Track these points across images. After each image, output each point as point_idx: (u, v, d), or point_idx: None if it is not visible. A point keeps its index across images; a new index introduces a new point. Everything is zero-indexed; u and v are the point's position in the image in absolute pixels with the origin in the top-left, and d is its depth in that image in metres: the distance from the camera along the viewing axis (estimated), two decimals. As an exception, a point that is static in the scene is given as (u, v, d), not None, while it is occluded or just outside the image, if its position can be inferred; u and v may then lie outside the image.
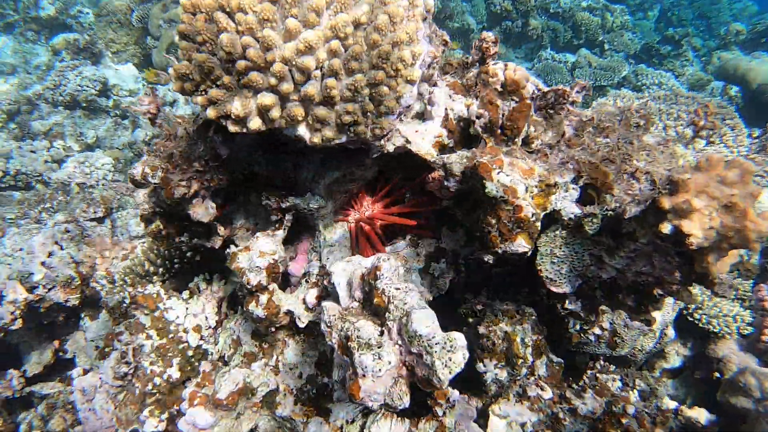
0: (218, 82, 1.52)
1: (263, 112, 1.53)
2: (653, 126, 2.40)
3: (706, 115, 2.10)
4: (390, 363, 1.47)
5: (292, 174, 2.06)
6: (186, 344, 2.51)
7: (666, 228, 1.85)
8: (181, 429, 2.12)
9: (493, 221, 1.86)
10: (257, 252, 2.00)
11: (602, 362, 3.07)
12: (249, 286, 1.96)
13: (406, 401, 1.51)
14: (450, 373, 1.43)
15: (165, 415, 2.32)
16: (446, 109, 2.00)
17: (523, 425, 2.38)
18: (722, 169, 1.82)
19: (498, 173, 1.87)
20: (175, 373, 2.41)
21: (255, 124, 1.54)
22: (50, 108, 7.06)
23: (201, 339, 2.54)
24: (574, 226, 2.09)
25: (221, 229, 2.20)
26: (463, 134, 2.04)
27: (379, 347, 1.49)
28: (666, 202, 1.84)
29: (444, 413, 2.03)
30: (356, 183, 2.22)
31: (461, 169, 1.94)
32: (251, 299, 2.04)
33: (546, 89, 2.03)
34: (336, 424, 2.18)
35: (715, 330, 3.24)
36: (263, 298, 2.03)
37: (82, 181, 5.23)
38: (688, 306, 3.32)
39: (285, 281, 2.37)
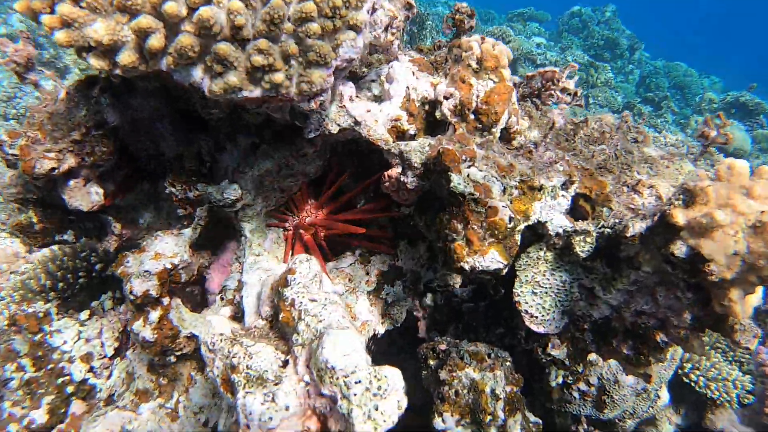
0: (81, 1, 1.09)
1: (140, 41, 1.10)
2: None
3: (719, 127, 1.72)
4: (288, 409, 0.98)
5: (209, 157, 1.62)
6: (67, 378, 1.97)
7: (679, 249, 1.42)
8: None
9: (460, 227, 1.42)
10: (152, 253, 1.52)
11: (586, 426, 2.58)
12: (132, 297, 1.46)
13: (311, 469, 1.01)
14: (375, 429, 0.94)
15: (19, 473, 1.76)
16: (408, 87, 1.59)
17: (489, 502, 1.85)
18: (747, 179, 1.42)
19: (468, 166, 1.45)
20: (41, 416, 1.85)
21: (127, 58, 1.10)
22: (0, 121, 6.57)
23: (90, 371, 2.00)
24: (562, 247, 1.66)
25: (117, 227, 1.72)
26: (428, 120, 1.63)
27: (276, 384, 1.01)
28: (680, 216, 1.42)
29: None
30: (295, 179, 1.77)
31: (423, 160, 1.51)
32: (138, 316, 1.54)
33: (531, 73, 1.64)
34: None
35: (713, 396, 2.76)
36: (154, 315, 1.53)
37: None
38: (683, 365, 2.85)
39: (204, 300, 1.88)
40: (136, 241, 1.84)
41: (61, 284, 2.36)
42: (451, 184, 1.40)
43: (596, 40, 11.70)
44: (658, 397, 2.62)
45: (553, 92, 1.61)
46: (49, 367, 1.99)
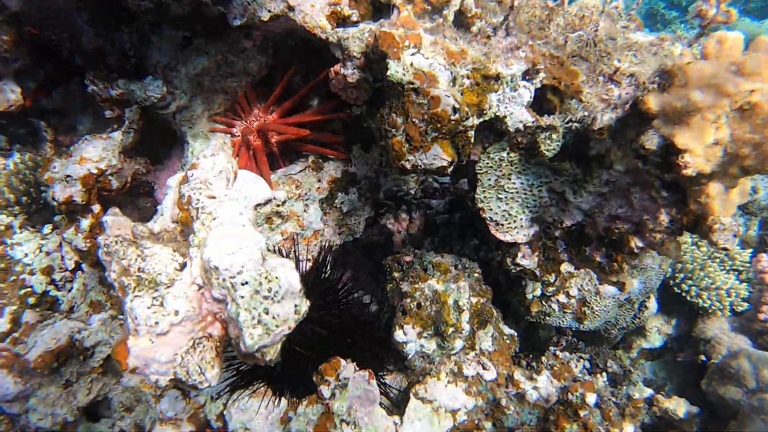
0: None
1: None
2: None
3: (719, 2, 1.49)
4: (178, 313, 0.90)
5: (133, 52, 1.46)
6: (29, 290, 1.95)
7: (650, 140, 1.26)
8: (-23, 397, 1.57)
9: (399, 121, 1.27)
10: (77, 158, 1.41)
11: (569, 338, 2.53)
12: (53, 203, 1.38)
13: (210, 377, 0.95)
14: (266, 334, 0.86)
15: (-20, 379, 1.77)
16: (349, -35, 1.38)
17: (453, 413, 1.82)
18: (739, 54, 1.22)
19: (412, 54, 1.27)
20: (3, 325, 1.85)
21: None
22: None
23: (51, 284, 1.98)
24: (527, 146, 1.50)
25: (49, 132, 1.61)
26: (374, 4, 1.43)
27: (168, 287, 0.92)
28: (653, 102, 1.25)
29: (332, 395, 1.48)
30: (238, 79, 1.62)
31: (362, 48, 1.34)
32: (69, 224, 1.47)
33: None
34: (197, 400, 1.63)
35: (705, 305, 2.66)
36: (85, 223, 1.46)
37: None
38: (675, 276, 2.74)
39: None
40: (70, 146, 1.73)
41: (24, 198, 2.31)
42: (389, 72, 1.24)
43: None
44: (646, 308, 2.54)
45: None
46: (11, 278, 1.97)
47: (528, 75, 1.42)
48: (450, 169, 1.31)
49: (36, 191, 2.33)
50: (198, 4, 1.39)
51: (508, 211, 1.67)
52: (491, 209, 1.66)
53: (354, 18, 1.41)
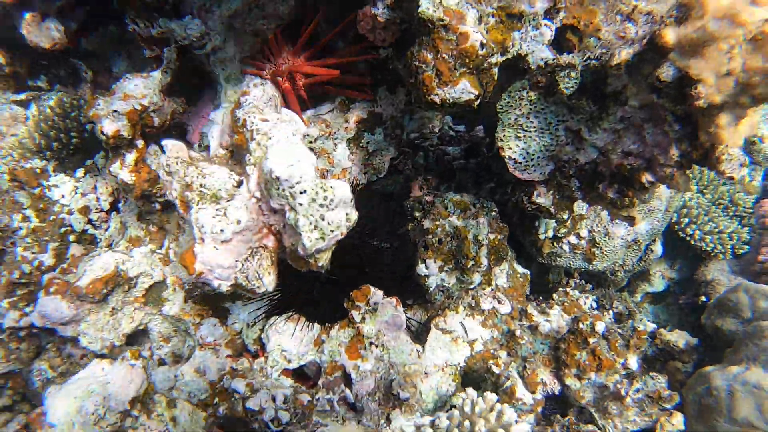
0: None
1: None
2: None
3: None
4: (239, 222, 1.00)
5: (172, -10, 1.52)
6: (68, 228, 2.06)
7: (666, 72, 1.33)
8: (36, 324, 1.70)
9: (429, 56, 1.34)
10: (120, 95, 1.49)
11: (577, 281, 2.65)
12: (102, 137, 1.46)
13: (267, 282, 1.06)
14: (321, 238, 0.96)
15: (30, 308, 1.90)
16: None
17: (471, 343, 1.96)
18: (754, -9, 1.28)
19: (439, -9, 1.34)
20: (48, 259, 1.97)
21: None
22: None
23: (89, 223, 2.08)
24: (546, 85, 1.58)
25: (89, 73, 1.68)
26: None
27: (228, 200, 1.02)
28: (670, 35, 1.31)
29: (362, 319, 1.60)
30: (268, 22, 1.67)
31: (392, -13, 1.40)
32: (115, 158, 1.55)
33: None
34: (234, 327, 1.76)
35: (707, 248, 2.77)
36: (129, 157, 1.54)
37: None
38: (680, 220, 2.84)
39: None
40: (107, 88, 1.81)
41: (55, 144, 2.40)
42: (420, 9, 1.30)
43: None
44: (651, 251, 2.65)
45: None
46: (51, 217, 2.08)
47: (549, 14, 1.48)
48: (476, 103, 1.39)
49: (66, 137, 2.42)
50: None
51: (526, 149, 1.75)
52: (510, 148, 1.75)
53: (384, -42, 1.46)
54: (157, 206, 1.74)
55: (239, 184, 1.06)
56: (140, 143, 1.55)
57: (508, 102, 1.64)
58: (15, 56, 1.61)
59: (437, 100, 1.37)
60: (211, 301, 1.77)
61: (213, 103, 1.82)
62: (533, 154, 1.76)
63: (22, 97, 2.14)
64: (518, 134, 1.73)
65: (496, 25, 1.39)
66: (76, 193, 2.14)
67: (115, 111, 1.46)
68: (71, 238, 2.06)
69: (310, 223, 0.94)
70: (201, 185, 1.04)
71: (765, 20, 1.20)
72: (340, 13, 1.77)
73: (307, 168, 0.96)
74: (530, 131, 1.71)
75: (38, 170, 2.18)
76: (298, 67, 1.75)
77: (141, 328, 1.87)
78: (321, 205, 0.95)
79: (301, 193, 0.94)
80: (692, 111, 1.37)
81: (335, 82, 1.75)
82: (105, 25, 1.64)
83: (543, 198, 1.90)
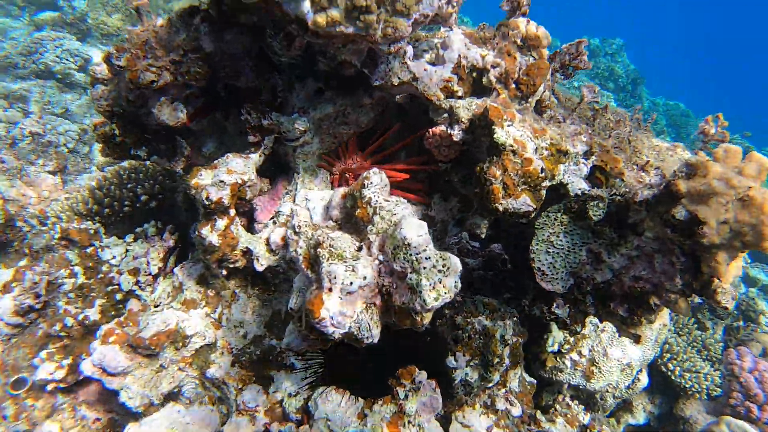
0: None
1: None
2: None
3: (717, 124, 1.99)
4: (365, 278, 1.20)
5: (281, 93, 1.83)
6: (116, 287, 2.16)
7: (680, 212, 1.67)
8: (84, 372, 1.74)
9: (498, 173, 1.65)
10: (224, 170, 1.73)
11: (570, 400, 2.81)
12: (207, 202, 1.66)
13: (375, 334, 1.23)
14: (437, 299, 1.16)
15: (68, 361, 1.93)
16: (459, 55, 1.83)
17: (486, 439, 2.06)
18: (740, 161, 1.68)
19: (509, 125, 1.69)
20: (94, 314, 2.04)
21: (253, -17, 1.32)
22: (19, 73, 6.67)
23: (136, 284, 2.19)
24: (577, 211, 1.90)
25: (188, 149, 1.92)
26: (474, 85, 1.86)
27: (354, 260, 1.23)
28: (682, 185, 1.67)
29: (406, 396, 1.73)
30: (348, 128, 1.99)
31: (469, 116, 1.74)
32: (206, 222, 1.74)
33: (563, 46, 1.89)
34: (275, 396, 1.84)
35: (686, 385, 3.03)
36: (221, 222, 1.73)
37: (38, 131, 4.75)
38: (663, 355, 3.12)
39: (249, 229, 2.07)
40: (193, 165, 2.04)
41: (107, 210, 2.57)
42: (495, 135, 1.64)
43: (602, 70, 12.09)
44: (639, 380, 2.88)
45: (580, 59, 1.86)
46: (99, 276, 2.17)
47: (586, 154, 1.85)
48: (532, 215, 1.68)
49: (119, 205, 2.59)
50: (341, 63, 1.80)
51: (553, 263, 2.03)
52: (540, 260, 2.02)
53: (459, 93, 1.83)
54: (224, 272, 1.89)
55: (359, 248, 1.27)
56: (232, 212, 1.76)
57: (545, 221, 1.95)
58: (127, 128, 1.84)
59: (501, 208, 1.66)
60: (257, 368, 1.87)
61: (285, 188, 2.07)
62: (559, 269, 2.03)
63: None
64: (548, 250, 2.01)
65: (549, 157, 1.73)
66: (127, 254, 2.27)
67: (222, 181, 1.68)
68: (118, 296, 2.15)
69: (431, 285, 1.14)
70: (330, 245, 1.24)
71: (749, 186, 1.58)
72: (408, 128, 2.11)
73: (429, 239, 1.20)
74: (558, 248, 2.00)
75: (92, 231, 2.32)
76: (365, 168, 2.04)
77: (175, 390, 1.92)
78: (439, 271, 1.16)
79: (426, 258, 1.16)
80: (697, 247, 1.69)
81: (397, 184, 2.04)
82: (213, 112, 1.92)
83: (560, 310, 2.14)
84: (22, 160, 3.83)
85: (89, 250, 2.24)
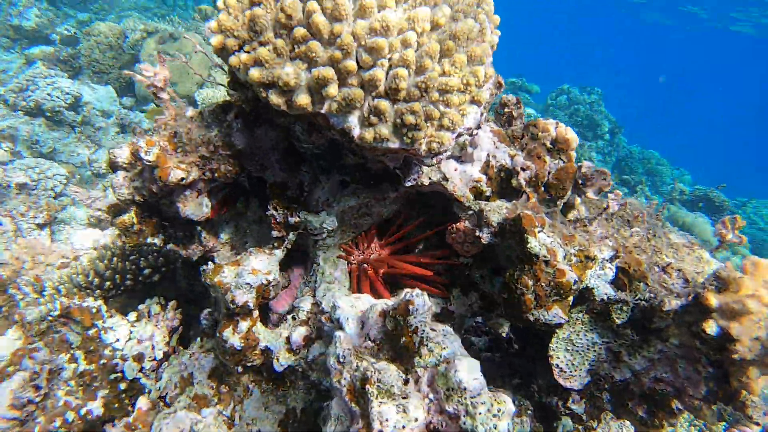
0: (267, 45, 1.30)
1: (316, 88, 1.30)
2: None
3: (734, 227, 2.02)
4: (416, 420, 1.15)
5: (308, 188, 1.80)
6: (119, 375, 2.05)
7: (711, 328, 1.67)
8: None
9: (530, 283, 1.63)
10: (249, 269, 1.66)
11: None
12: (232, 306, 1.60)
13: (423, 476, 1.17)
14: (492, 444, 1.12)
15: (70, 461, 1.81)
16: (488, 154, 1.83)
17: None
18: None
19: (539, 231, 1.68)
20: (97, 408, 1.92)
21: (303, 99, 1.30)
22: (8, 111, 6.52)
23: (141, 372, 2.08)
24: (600, 312, 1.89)
25: (206, 238, 1.85)
26: (502, 185, 1.86)
27: (404, 398, 1.17)
28: (713, 299, 1.67)
29: None
30: (370, 219, 1.96)
31: (499, 220, 1.73)
32: (228, 324, 1.67)
33: (585, 162, 1.91)
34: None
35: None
36: (244, 324, 1.66)
37: (25, 182, 4.62)
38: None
39: (264, 318, 2.00)
40: (211, 253, 1.97)
41: (108, 283, 2.46)
42: (528, 245, 1.62)
43: (581, 119, 12.44)
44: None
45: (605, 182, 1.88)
46: (102, 362, 2.06)
47: (612, 259, 1.85)
48: (563, 325, 1.66)
49: (121, 278, 2.49)
50: (366, 161, 1.78)
51: (572, 361, 2.00)
52: (559, 357, 1.99)
53: (487, 193, 1.83)
54: (240, 369, 1.81)
55: (406, 381, 1.22)
56: (256, 313, 1.69)
57: (567, 322, 1.93)
58: (144, 217, 1.78)
59: (532, 318, 1.63)
60: (271, 473, 1.77)
61: (302, 278, 2.01)
62: (577, 366, 2.01)
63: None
64: (568, 347, 1.99)
65: (577, 263, 1.73)
66: (131, 338, 2.16)
67: (248, 283, 1.62)
68: (122, 386, 2.04)
69: (485, 430, 1.10)
70: (378, 380, 1.19)
71: (782, 303, 1.59)
72: (427, 218, 2.09)
73: (485, 382, 1.16)
74: (579, 347, 1.98)
75: (94, 310, 2.21)
76: (385, 260, 2.01)
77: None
78: (494, 415, 1.12)
79: (481, 403, 1.12)
80: (726, 360, 1.69)
81: (417, 276, 2.00)
82: (234, 203, 1.87)
83: (576, 405, 2.11)
84: (14, 213, 3.68)
85: (91, 332, 2.13)
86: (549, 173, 1.80)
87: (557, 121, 1.87)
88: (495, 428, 1.12)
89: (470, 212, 1.82)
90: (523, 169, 1.80)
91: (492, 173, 1.84)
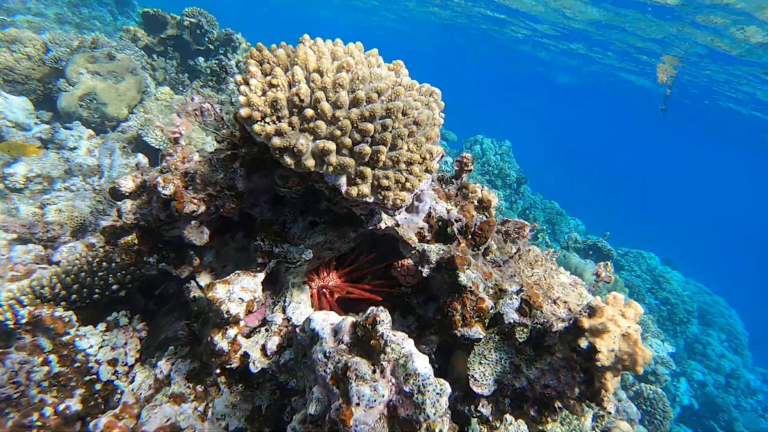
0: (284, 120, 1.76)
1: (319, 155, 1.77)
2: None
3: (606, 268, 2.70)
4: (383, 397, 1.61)
5: (289, 225, 2.23)
6: (94, 377, 2.30)
7: (584, 343, 2.29)
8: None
9: (459, 307, 2.17)
10: (239, 287, 2.06)
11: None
12: (226, 316, 1.97)
13: (386, 440, 1.63)
14: (435, 413, 1.60)
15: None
16: (430, 207, 2.37)
17: None
18: (623, 305, 2.36)
19: (467, 269, 2.23)
20: (75, 405, 2.17)
21: (310, 162, 1.77)
22: None
23: (114, 374, 2.35)
24: (506, 333, 2.46)
25: (197, 260, 2.21)
26: (439, 232, 2.40)
27: (374, 382, 1.64)
28: (586, 322, 2.30)
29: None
30: (332, 252, 2.42)
31: (437, 259, 2.26)
32: (218, 331, 2.03)
33: (509, 219, 2.52)
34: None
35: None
36: (232, 332, 2.04)
37: None
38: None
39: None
40: (194, 273, 2.33)
41: (74, 296, 2.71)
42: (459, 279, 2.16)
43: (492, 168, 13.64)
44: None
45: (523, 235, 2.49)
46: (76, 365, 2.31)
47: (518, 292, 2.44)
48: (481, 341, 2.20)
49: (88, 292, 2.74)
50: (333, 204, 2.25)
51: (483, 372, 2.55)
52: (474, 369, 2.53)
53: (428, 238, 2.36)
54: (218, 371, 2.16)
55: (374, 371, 1.68)
56: (242, 323, 2.07)
57: (482, 340, 2.48)
58: (144, 239, 2.12)
59: (458, 334, 2.16)
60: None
61: (272, 299, 2.41)
62: (487, 377, 2.55)
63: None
64: (481, 361, 2.53)
65: (493, 294, 2.29)
66: (103, 345, 2.43)
67: (240, 298, 2.01)
68: (97, 386, 2.29)
69: (431, 402, 1.58)
70: (355, 370, 1.64)
71: (629, 326, 2.24)
72: (377, 254, 2.58)
73: (431, 369, 1.65)
74: (489, 361, 2.53)
75: (66, 319, 2.46)
76: (341, 288, 2.47)
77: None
78: (437, 393, 1.61)
79: (429, 384, 1.60)
80: (592, 367, 2.30)
81: (365, 300, 2.47)
82: (224, 233, 2.25)
83: (484, 409, 2.65)
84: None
85: (65, 338, 2.37)
86: (475, 225, 2.37)
87: (483, 185, 2.46)
88: (438, 402, 1.61)
89: (413, 251, 2.34)
90: (456, 221, 2.36)
91: (432, 222, 2.38)
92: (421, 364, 1.64)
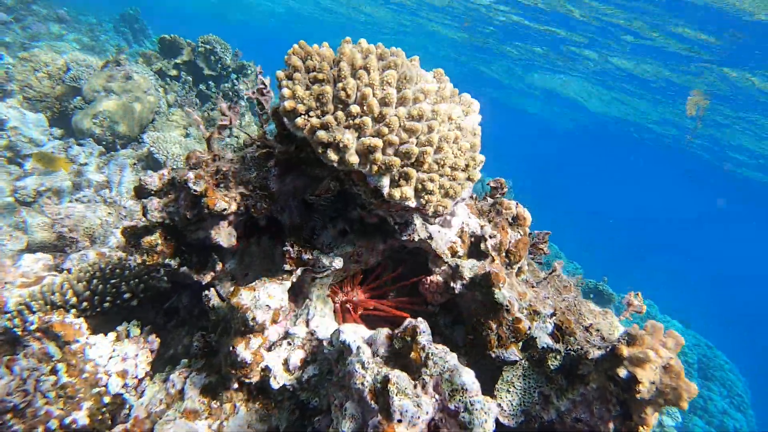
0: (328, 114, 1.69)
1: (365, 152, 1.69)
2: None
3: (638, 297, 2.60)
4: (427, 414, 1.48)
5: (318, 232, 2.13)
6: (103, 389, 2.15)
7: (623, 372, 2.16)
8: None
9: (494, 326, 2.05)
10: (266, 294, 1.94)
11: None
12: (252, 323, 1.84)
13: (427, 460, 1.49)
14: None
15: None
16: (462, 222, 2.28)
17: None
18: (662, 335, 2.25)
19: (502, 286, 2.12)
20: (82, 419, 2.01)
21: (353, 159, 1.68)
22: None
23: (123, 387, 2.19)
24: (538, 359, 2.33)
25: (221, 265, 2.10)
26: (471, 248, 2.30)
27: (416, 397, 1.51)
28: (625, 351, 2.18)
29: None
30: (358, 265, 2.31)
31: (471, 275, 2.16)
32: (241, 340, 1.90)
33: (535, 232, 2.43)
34: None
35: None
36: (255, 342, 1.91)
37: None
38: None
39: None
40: (214, 280, 2.21)
41: (85, 303, 2.57)
42: (495, 296, 2.05)
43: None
44: None
45: (544, 247, 2.40)
46: (84, 376, 2.16)
47: (551, 315, 2.32)
48: (517, 363, 2.07)
49: (100, 300, 2.61)
50: (366, 211, 2.16)
51: (511, 401, 2.40)
52: (501, 398, 2.39)
53: (460, 253, 2.26)
54: (236, 385, 2.02)
55: (414, 386, 1.56)
56: (267, 333, 1.94)
57: (510, 367, 2.35)
58: (167, 240, 2.01)
59: (494, 356, 2.03)
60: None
61: (294, 310, 2.29)
62: (515, 406, 2.41)
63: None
64: (509, 389, 2.39)
65: (527, 315, 2.17)
66: (113, 355, 2.28)
67: (268, 306, 1.89)
68: (106, 399, 2.14)
69: (479, 423, 1.45)
70: (395, 383, 1.51)
71: (671, 357, 2.12)
72: (402, 272, 2.47)
73: (479, 385, 1.52)
74: (518, 389, 2.39)
75: (76, 326, 2.32)
76: (365, 303, 2.35)
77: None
78: (485, 413, 1.48)
79: (477, 401, 1.47)
80: (630, 399, 2.17)
81: (390, 317, 2.35)
82: (250, 237, 2.15)
83: (510, 442, 2.49)
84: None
85: (75, 346, 2.22)
86: (510, 242, 2.28)
87: (517, 202, 2.38)
88: (486, 424, 1.48)
89: (444, 267, 2.24)
90: (490, 237, 2.26)
91: (465, 237, 2.29)
92: (469, 378, 1.52)
